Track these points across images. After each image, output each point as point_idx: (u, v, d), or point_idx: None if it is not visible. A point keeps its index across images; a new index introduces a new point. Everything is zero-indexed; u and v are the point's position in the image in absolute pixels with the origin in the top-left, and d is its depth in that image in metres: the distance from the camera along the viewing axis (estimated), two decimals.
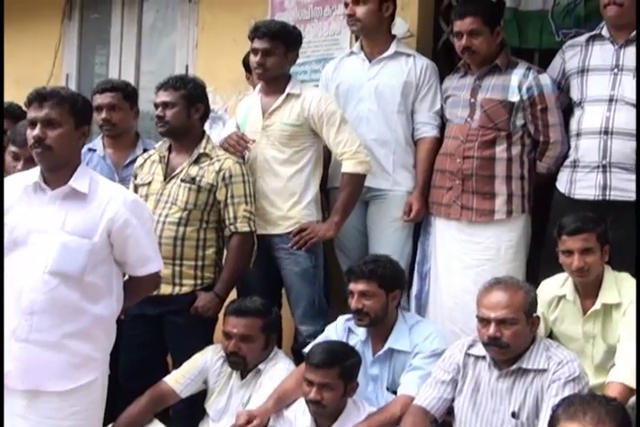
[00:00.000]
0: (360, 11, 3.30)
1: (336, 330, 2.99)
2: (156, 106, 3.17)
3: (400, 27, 3.54)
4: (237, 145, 3.22)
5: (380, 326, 2.89)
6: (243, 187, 3.14)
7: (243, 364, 2.94)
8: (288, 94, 3.26)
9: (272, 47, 3.20)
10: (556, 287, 2.89)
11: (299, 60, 3.57)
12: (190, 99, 3.16)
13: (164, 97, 3.15)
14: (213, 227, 3.18)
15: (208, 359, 3.04)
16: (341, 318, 3.02)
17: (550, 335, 2.92)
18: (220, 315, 3.12)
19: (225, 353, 2.97)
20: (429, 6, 3.64)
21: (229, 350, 2.93)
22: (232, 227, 3.14)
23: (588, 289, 2.81)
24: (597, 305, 2.78)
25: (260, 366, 2.95)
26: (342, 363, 2.67)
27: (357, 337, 2.94)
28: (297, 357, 3.20)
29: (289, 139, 3.24)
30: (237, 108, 3.53)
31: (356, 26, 3.33)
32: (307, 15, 3.89)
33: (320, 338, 2.99)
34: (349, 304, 2.88)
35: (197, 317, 3.12)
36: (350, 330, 2.97)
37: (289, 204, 3.24)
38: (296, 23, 3.84)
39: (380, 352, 2.89)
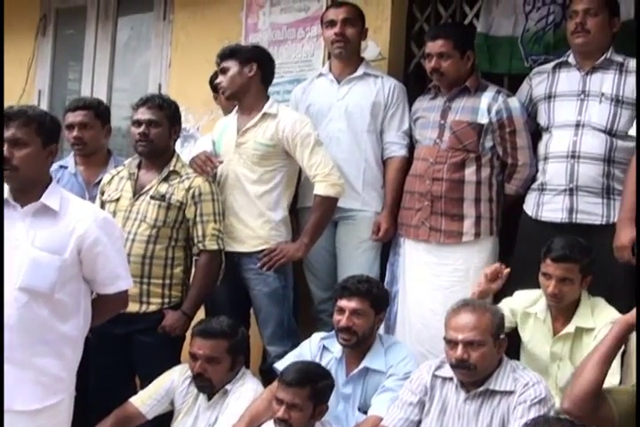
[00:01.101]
0: (350, 31, 3.36)
1: (310, 347, 2.97)
2: (139, 123, 3.15)
3: (372, 50, 3.60)
4: (204, 165, 3.22)
5: (357, 347, 2.88)
6: (212, 205, 3.15)
7: (209, 385, 2.92)
8: (264, 114, 3.27)
9: (228, 66, 3.25)
10: (527, 302, 2.91)
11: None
12: (172, 120, 3.21)
13: (149, 115, 3.15)
14: (182, 245, 3.18)
15: (175, 380, 3.01)
16: (317, 336, 3.00)
17: (518, 351, 2.94)
18: (188, 333, 3.10)
19: (191, 374, 2.96)
20: (401, 30, 3.69)
21: (195, 371, 2.91)
22: (200, 245, 3.14)
23: (562, 311, 2.83)
24: (571, 328, 2.79)
25: (228, 387, 2.93)
26: (314, 384, 2.65)
27: (332, 355, 2.93)
28: (265, 377, 3.19)
29: (261, 158, 3.25)
30: (215, 126, 3.55)
31: (344, 48, 3.38)
32: (280, 36, 3.93)
33: (292, 354, 2.97)
34: (336, 322, 2.86)
35: (165, 336, 3.10)
36: (325, 348, 2.95)
37: (258, 222, 3.24)
38: (270, 44, 3.90)
39: (355, 371, 2.88)
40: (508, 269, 2.88)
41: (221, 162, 3.26)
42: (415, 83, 3.60)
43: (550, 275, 2.77)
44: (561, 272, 2.74)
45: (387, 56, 3.62)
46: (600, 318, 2.76)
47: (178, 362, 3.16)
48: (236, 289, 3.29)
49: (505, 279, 2.90)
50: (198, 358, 2.90)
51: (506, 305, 2.89)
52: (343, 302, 2.86)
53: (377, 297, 2.87)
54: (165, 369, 3.05)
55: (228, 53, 3.30)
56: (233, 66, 3.27)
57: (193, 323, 3.11)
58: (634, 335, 2.69)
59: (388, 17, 3.61)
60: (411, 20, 3.72)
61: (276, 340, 3.25)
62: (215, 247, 3.15)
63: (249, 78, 3.27)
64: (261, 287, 3.23)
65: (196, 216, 3.13)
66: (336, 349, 2.93)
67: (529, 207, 3.14)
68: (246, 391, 2.90)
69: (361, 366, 2.87)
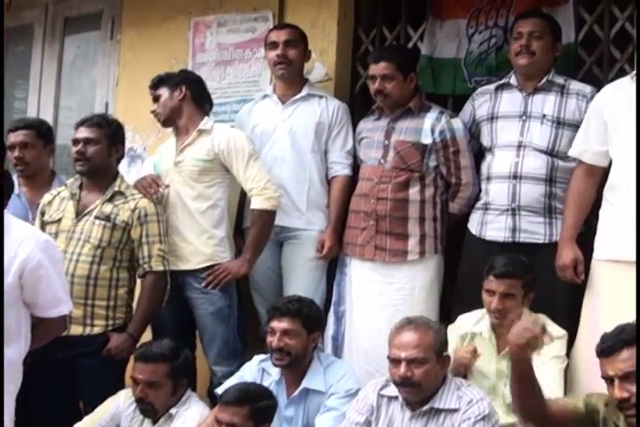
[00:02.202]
0: (292, 53, 3.40)
1: (251, 370, 2.96)
2: (76, 142, 3.15)
3: (319, 71, 3.65)
4: (149, 188, 3.20)
5: (295, 367, 2.87)
6: (157, 226, 3.13)
7: (152, 410, 2.87)
8: (200, 131, 3.29)
9: (159, 93, 3.33)
10: (471, 323, 2.94)
11: (219, 101, 3.65)
12: (112, 138, 3.20)
13: (86, 133, 3.15)
14: (126, 266, 3.15)
15: (120, 404, 2.96)
16: (256, 359, 2.99)
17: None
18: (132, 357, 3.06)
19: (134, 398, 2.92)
20: (347, 52, 3.74)
21: (137, 396, 2.87)
22: (146, 266, 3.12)
23: (506, 328, 2.85)
24: None
25: (172, 411, 2.88)
26: (254, 404, 2.62)
27: (271, 378, 2.92)
28: (214, 399, 3.15)
29: (200, 174, 3.25)
30: (157, 149, 3.54)
31: (287, 70, 3.41)
32: (227, 57, 3.94)
33: (235, 377, 2.95)
34: (268, 343, 2.85)
35: (109, 359, 3.05)
36: (265, 371, 2.94)
37: (201, 239, 3.24)
38: (217, 64, 3.92)
39: (295, 393, 2.86)
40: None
41: (167, 186, 3.26)
42: (361, 103, 3.63)
43: (493, 291, 2.80)
44: (504, 288, 2.78)
45: (333, 77, 3.66)
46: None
47: (122, 386, 3.11)
48: (181, 309, 3.26)
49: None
50: (139, 383, 2.86)
51: (454, 332, 2.91)
52: (274, 323, 2.86)
53: (308, 317, 2.87)
54: (110, 393, 2.99)
55: (157, 82, 3.37)
56: (164, 93, 3.33)
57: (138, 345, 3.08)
58: (579, 354, 2.76)
59: (334, 39, 3.66)
60: (356, 41, 3.77)
61: (222, 360, 3.23)
62: (161, 268, 3.13)
63: (179, 101, 3.32)
64: (206, 307, 3.21)
65: (141, 237, 3.11)
66: (274, 371, 2.92)
67: (473, 226, 3.18)
68: (192, 415, 2.86)
69: (301, 387, 2.86)
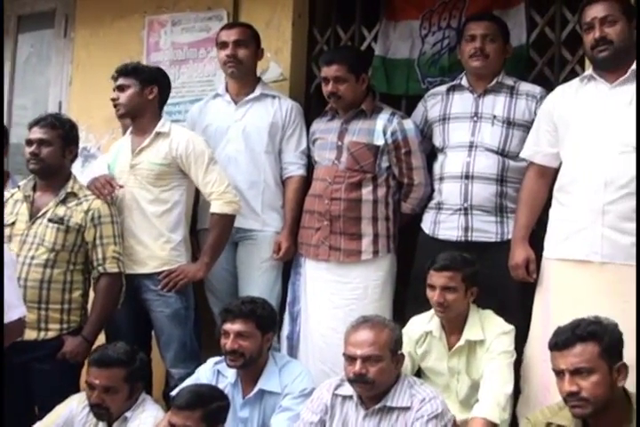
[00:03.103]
0: (242, 53, 3.38)
1: (206, 373, 2.95)
2: (30, 142, 3.10)
3: (273, 71, 3.65)
4: (103, 188, 3.17)
5: (250, 369, 2.87)
6: (111, 227, 3.11)
7: (107, 414, 2.84)
8: (157, 133, 3.26)
9: (128, 83, 3.24)
10: (423, 323, 2.97)
11: (173, 101, 3.61)
12: (66, 139, 3.15)
13: (40, 134, 3.09)
14: (80, 269, 3.12)
15: (73, 408, 2.91)
16: (211, 361, 2.98)
17: (419, 370, 3.00)
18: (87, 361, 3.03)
19: (89, 404, 2.89)
20: (302, 52, 3.75)
21: (92, 401, 2.83)
22: (100, 268, 3.09)
23: (453, 326, 2.90)
24: (462, 341, 2.87)
25: (127, 414, 2.85)
26: (206, 406, 2.61)
27: (227, 380, 2.91)
28: (169, 402, 3.14)
29: (156, 178, 3.23)
30: (110, 149, 3.50)
31: (236, 68, 3.39)
32: (182, 56, 3.92)
33: (190, 380, 2.94)
34: (222, 345, 2.84)
35: (64, 363, 3.02)
36: (220, 373, 2.94)
37: (158, 243, 3.22)
38: (171, 64, 3.90)
39: (251, 394, 2.86)
40: None
41: (122, 186, 3.23)
42: (317, 103, 3.64)
43: (434, 285, 2.85)
44: (443, 281, 2.83)
45: (288, 77, 3.67)
46: (489, 330, 2.84)
47: (77, 390, 3.08)
48: (137, 312, 3.24)
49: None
50: (95, 388, 2.82)
51: (406, 336, 2.91)
52: (227, 326, 2.85)
53: (262, 317, 2.87)
54: (65, 397, 2.95)
55: (130, 71, 3.28)
56: (133, 85, 3.25)
57: (93, 348, 3.05)
58: (533, 349, 2.81)
59: (288, 39, 3.67)
60: (311, 41, 3.79)
61: (178, 362, 3.21)
62: (116, 270, 3.10)
63: (148, 101, 3.27)
64: (163, 309, 3.19)
65: (95, 239, 3.08)
66: (230, 373, 2.91)
67: (426, 226, 3.22)
68: (146, 418, 2.83)
69: (256, 388, 2.86)
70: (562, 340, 2.26)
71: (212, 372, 2.94)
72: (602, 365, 2.20)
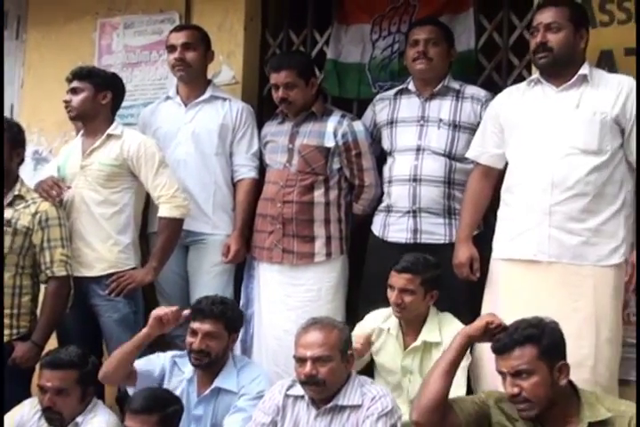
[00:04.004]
0: (190, 56, 3.38)
1: (165, 359, 2.93)
2: None
3: (226, 74, 3.65)
4: (50, 190, 3.15)
5: (211, 367, 2.87)
6: (59, 230, 3.08)
7: (59, 418, 2.82)
8: (108, 135, 3.25)
9: (82, 87, 3.23)
10: (380, 320, 3.00)
11: (126, 104, 3.59)
12: (13, 143, 3.11)
13: None
14: (29, 273, 3.09)
15: (25, 414, 2.89)
16: (170, 354, 2.97)
17: (372, 367, 3.02)
18: (38, 365, 3.00)
19: (41, 408, 2.86)
20: (254, 55, 3.77)
21: (44, 404, 2.81)
22: (48, 271, 3.06)
23: (411, 326, 2.93)
24: (418, 342, 2.90)
25: (78, 420, 2.84)
26: (162, 410, 2.61)
27: (183, 375, 2.91)
28: (122, 407, 3.13)
29: (106, 179, 3.22)
30: (60, 151, 3.48)
31: (185, 71, 3.39)
32: (134, 59, 3.91)
33: (144, 359, 2.92)
34: (188, 344, 2.83)
35: (14, 368, 2.98)
36: (177, 365, 2.93)
37: (106, 246, 3.20)
38: (123, 67, 3.88)
39: (206, 392, 2.86)
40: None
41: (69, 187, 3.21)
42: (270, 106, 3.63)
43: (393, 285, 2.88)
44: (402, 282, 2.86)
45: (240, 80, 3.68)
46: (447, 333, 2.87)
47: (28, 395, 3.05)
48: (86, 316, 3.22)
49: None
50: (47, 391, 2.80)
51: (359, 329, 2.96)
52: (196, 325, 2.84)
53: (231, 319, 2.88)
54: (16, 404, 2.92)
55: (86, 74, 3.27)
56: (87, 89, 3.25)
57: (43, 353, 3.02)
58: (482, 349, 2.85)
59: (240, 42, 3.68)
60: (264, 45, 3.80)
61: None
62: (64, 273, 3.08)
63: (101, 105, 3.27)
64: (111, 314, 3.18)
65: (43, 242, 3.05)
66: (187, 369, 2.91)
67: (376, 228, 3.25)
68: (98, 423, 2.82)
69: (212, 386, 2.86)
70: (501, 345, 2.31)
71: (171, 362, 2.93)
72: (541, 366, 2.25)
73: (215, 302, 2.89)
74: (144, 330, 2.87)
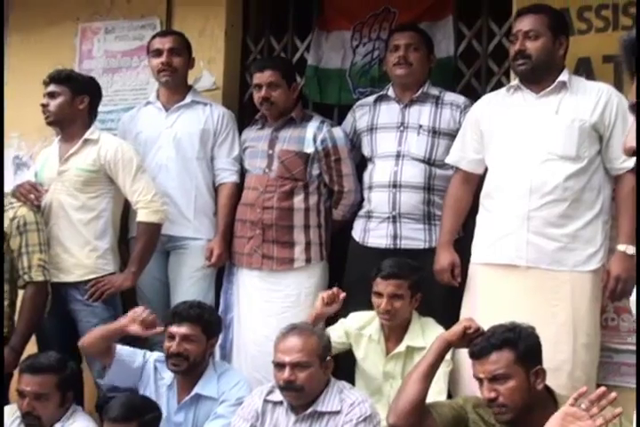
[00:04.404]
0: (177, 61, 3.39)
1: (151, 361, 2.94)
2: None
3: (206, 80, 3.66)
4: (28, 194, 3.13)
5: (190, 373, 2.87)
6: (37, 235, 3.06)
7: (38, 424, 2.80)
8: (86, 140, 3.24)
9: (59, 91, 3.22)
10: (363, 322, 3.00)
11: (106, 109, 3.59)
12: None
13: None
14: (7, 278, 3.06)
15: (4, 421, 2.88)
16: (154, 356, 2.97)
17: (353, 371, 3.02)
18: (16, 371, 2.98)
19: (20, 413, 2.84)
20: (235, 61, 3.77)
21: (24, 409, 2.79)
22: (26, 276, 3.04)
23: (394, 331, 2.93)
24: (402, 347, 2.90)
25: (57, 426, 2.82)
26: (141, 418, 2.61)
27: (163, 380, 2.91)
28: (102, 414, 3.11)
29: (84, 184, 3.20)
30: (38, 156, 3.47)
31: (171, 76, 3.40)
32: (115, 64, 3.90)
33: (132, 352, 2.93)
34: (166, 348, 2.83)
35: None
36: (158, 370, 2.93)
37: (84, 251, 3.19)
38: (104, 72, 3.87)
39: (187, 398, 2.86)
40: (344, 294, 2.97)
41: (47, 190, 3.19)
42: (250, 112, 3.64)
43: (381, 293, 2.87)
44: (391, 289, 2.86)
45: (221, 86, 3.68)
46: (430, 338, 2.84)
47: (6, 402, 3.02)
48: (65, 322, 3.20)
49: (341, 304, 2.97)
50: (26, 396, 2.79)
51: (341, 325, 2.99)
52: (174, 328, 2.84)
53: (208, 322, 2.88)
54: None
55: (63, 78, 3.25)
56: (64, 93, 3.23)
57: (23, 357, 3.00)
58: (461, 355, 2.86)
59: (221, 48, 3.68)
60: (245, 51, 3.81)
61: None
62: (41, 278, 3.06)
63: (78, 110, 3.25)
64: (90, 319, 3.15)
65: (21, 247, 3.03)
66: (167, 375, 2.91)
67: (357, 234, 3.26)
68: None
69: (193, 392, 2.86)
70: (478, 349, 2.33)
71: (153, 365, 2.94)
72: (518, 370, 2.27)
73: (192, 306, 2.90)
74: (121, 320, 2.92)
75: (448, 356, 2.82)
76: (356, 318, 3.03)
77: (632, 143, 0.96)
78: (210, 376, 2.89)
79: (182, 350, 2.81)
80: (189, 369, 2.85)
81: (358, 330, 2.99)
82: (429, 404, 2.40)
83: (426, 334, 2.90)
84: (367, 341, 2.97)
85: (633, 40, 0.98)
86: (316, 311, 2.94)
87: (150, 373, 2.93)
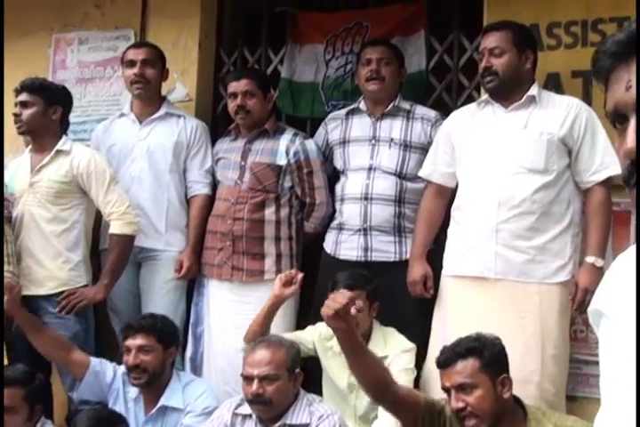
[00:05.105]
0: (150, 72, 3.39)
1: (120, 375, 2.92)
2: None
3: (180, 91, 3.66)
4: None
5: (153, 386, 2.86)
6: (6, 247, 3.03)
7: None
8: (57, 151, 3.22)
9: (32, 101, 3.19)
10: (329, 334, 2.97)
11: (79, 119, 3.58)
12: None
13: None
14: None
15: None
16: (122, 368, 2.95)
17: (321, 383, 3.02)
18: None
19: None
20: (209, 73, 3.78)
21: None
22: None
23: None
24: None
25: None
26: None
27: (129, 394, 2.90)
28: None
29: (56, 196, 3.18)
30: (8, 166, 3.44)
31: (144, 88, 3.39)
32: (88, 75, 3.90)
33: (101, 364, 2.91)
34: (125, 362, 2.82)
35: None
36: (125, 385, 2.92)
37: (56, 263, 3.16)
38: (77, 82, 3.86)
39: (153, 411, 2.85)
40: (301, 275, 2.94)
41: (15, 198, 3.17)
42: (223, 124, 3.66)
43: None
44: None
45: (194, 98, 3.68)
46: (392, 347, 2.89)
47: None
48: None
49: (298, 285, 2.94)
50: None
51: (309, 333, 2.98)
52: (129, 341, 2.84)
53: (162, 331, 2.87)
54: None
55: (37, 88, 3.22)
56: (38, 103, 3.20)
57: None
58: (431, 368, 2.87)
59: (195, 60, 3.69)
60: (218, 63, 3.82)
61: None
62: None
63: (51, 121, 3.23)
64: (62, 332, 3.11)
65: None
66: (133, 389, 2.90)
67: (328, 246, 3.27)
68: None
69: (158, 404, 2.85)
70: (444, 359, 2.34)
71: (122, 379, 2.93)
72: (484, 379, 2.28)
73: (145, 317, 2.91)
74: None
75: (411, 364, 2.85)
76: (324, 328, 3.02)
77: (632, 144, 0.96)
78: (175, 387, 2.88)
79: (139, 362, 2.81)
80: (151, 381, 2.84)
81: (324, 340, 2.98)
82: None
83: (388, 343, 2.91)
84: (331, 354, 2.97)
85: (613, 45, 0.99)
86: (274, 293, 2.91)
87: (119, 386, 2.92)
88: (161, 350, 2.85)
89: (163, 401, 2.85)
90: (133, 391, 2.90)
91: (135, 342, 2.83)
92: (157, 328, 2.86)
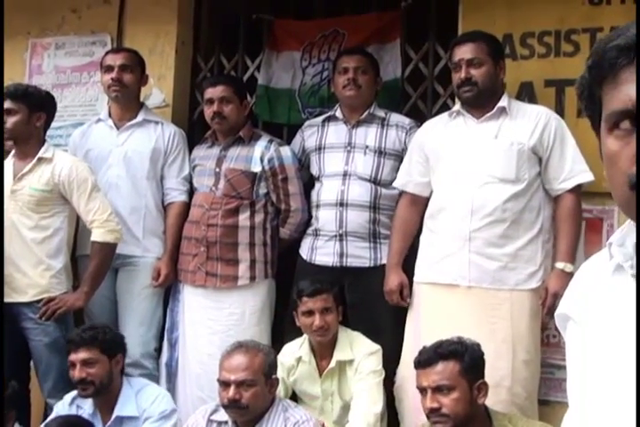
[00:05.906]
0: (127, 78, 3.38)
1: (64, 409, 2.89)
2: None
3: (156, 97, 3.66)
4: None
5: (105, 395, 2.84)
6: None
7: None
8: (39, 158, 3.19)
9: (16, 108, 3.16)
10: (294, 350, 3.01)
11: (55, 124, 3.55)
12: None
13: None
14: None
15: None
16: (68, 396, 2.92)
17: (295, 394, 3.03)
18: None
19: None
20: (185, 79, 3.79)
21: None
22: None
23: (324, 349, 2.96)
24: (333, 363, 2.92)
25: None
26: None
27: (85, 411, 2.86)
28: None
29: (37, 204, 3.16)
30: None
31: (120, 92, 3.38)
32: (64, 80, 3.89)
33: (51, 417, 2.87)
34: (71, 377, 2.81)
35: None
36: (78, 407, 2.89)
37: (38, 271, 3.14)
38: (54, 87, 3.84)
39: (110, 423, 2.82)
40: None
41: None
42: (200, 130, 3.66)
43: (312, 310, 2.89)
44: (321, 303, 2.89)
45: (171, 104, 3.69)
46: (358, 350, 2.92)
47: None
48: (16, 341, 3.13)
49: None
50: None
51: (279, 363, 2.92)
52: (72, 356, 2.82)
53: (104, 342, 2.85)
54: None
55: (21, 95, 3.18)
56: (21, 110, 3.15)
57: None
58: (406, 372, 2.90)
59: (172, 65, 3.69)
60: (195, 69, 3.82)
61: (57, 392, 3.11)
62: None
63: (35, 128, 3.20)
64: (41, 338, 3.11)
65: None
66: (87, 404, 2.88)
67: (304, 251, 3.28)
68: None
69: (113, 416, 2.82)
70: (424, 358, 2.37)
71: (70, 408, 2.89)
72: (462, 382, 2.32)
73: (85, 330, 2.88)
74: None
75: (378, 366, 2.88)
76: (289, 349, 3.03)
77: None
78: (127, 396, 2.86)
79: (85, 375, 2.79)
80: (100, 392, 2.82)
81: (293, 356, 2.99)
82: None
83: (354, 346, 2.93)
84: (300, 364, 2.98)
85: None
86: None
87: (74, 412, 2.87)
88: (106, 360, 2.83)
89: (117, 412, 2.82)
90: (88, 407, 2.87)
91: (78, 356, 2.80)
92: (99, 339, 2.83)
